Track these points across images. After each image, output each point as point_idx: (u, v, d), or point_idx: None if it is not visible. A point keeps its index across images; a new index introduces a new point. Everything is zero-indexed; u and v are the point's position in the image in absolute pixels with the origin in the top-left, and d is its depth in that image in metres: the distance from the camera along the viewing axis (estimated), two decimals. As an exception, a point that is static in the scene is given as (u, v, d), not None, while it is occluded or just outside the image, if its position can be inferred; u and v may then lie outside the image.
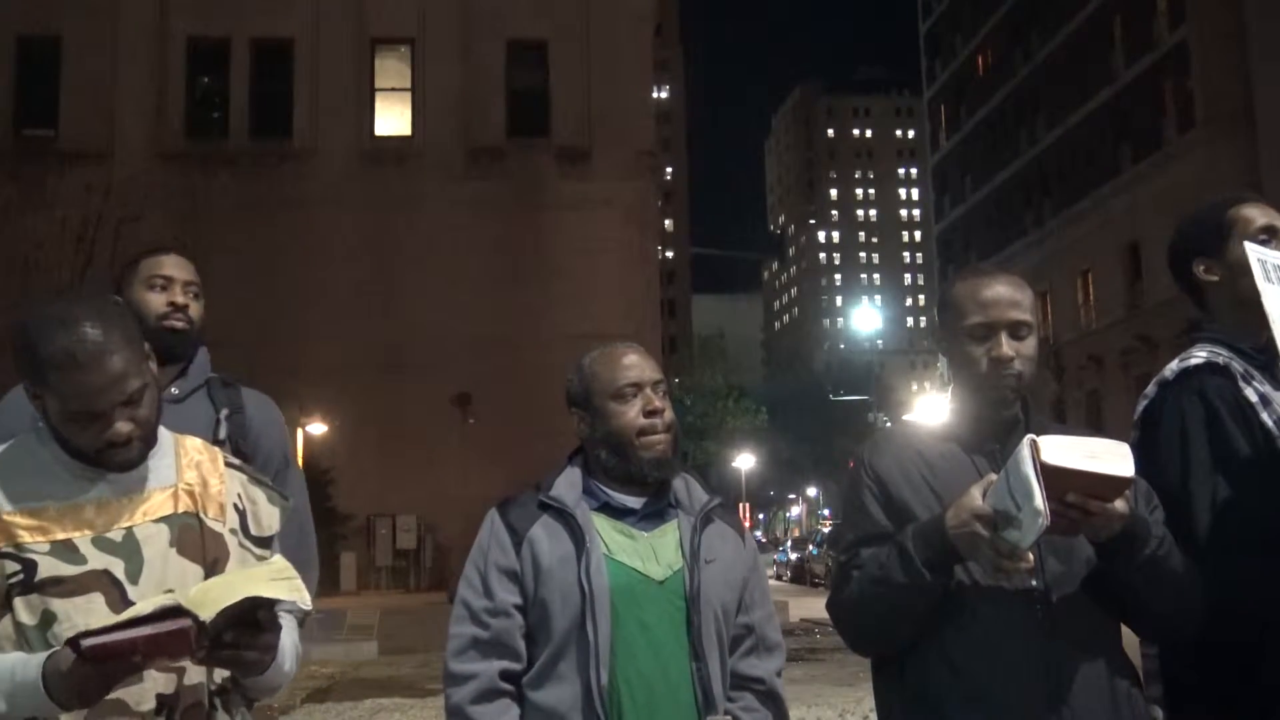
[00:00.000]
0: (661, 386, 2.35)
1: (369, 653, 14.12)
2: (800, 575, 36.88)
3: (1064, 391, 39.77)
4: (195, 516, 1.93)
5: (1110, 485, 1.91)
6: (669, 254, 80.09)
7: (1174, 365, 2.36)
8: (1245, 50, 32.54)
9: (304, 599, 1.76)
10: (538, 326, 22.18)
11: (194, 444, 2.05)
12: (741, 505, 56.78)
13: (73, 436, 1.87)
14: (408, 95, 25.80)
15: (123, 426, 1.85)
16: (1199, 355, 2.33)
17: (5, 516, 1.83)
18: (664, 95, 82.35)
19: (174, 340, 2.79)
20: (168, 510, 1.91)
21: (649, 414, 2.29)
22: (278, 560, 1.84)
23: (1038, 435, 1.92)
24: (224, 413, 2.79)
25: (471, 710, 2.17)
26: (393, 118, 25.90)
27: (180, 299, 2.81)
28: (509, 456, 18.73)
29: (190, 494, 1.95)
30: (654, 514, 2.32)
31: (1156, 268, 32.79)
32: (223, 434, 2.70)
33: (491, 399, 22.88)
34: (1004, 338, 2.14)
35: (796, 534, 61.10)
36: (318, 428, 22.40)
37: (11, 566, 1.80)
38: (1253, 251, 2.26)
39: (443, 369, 23.02)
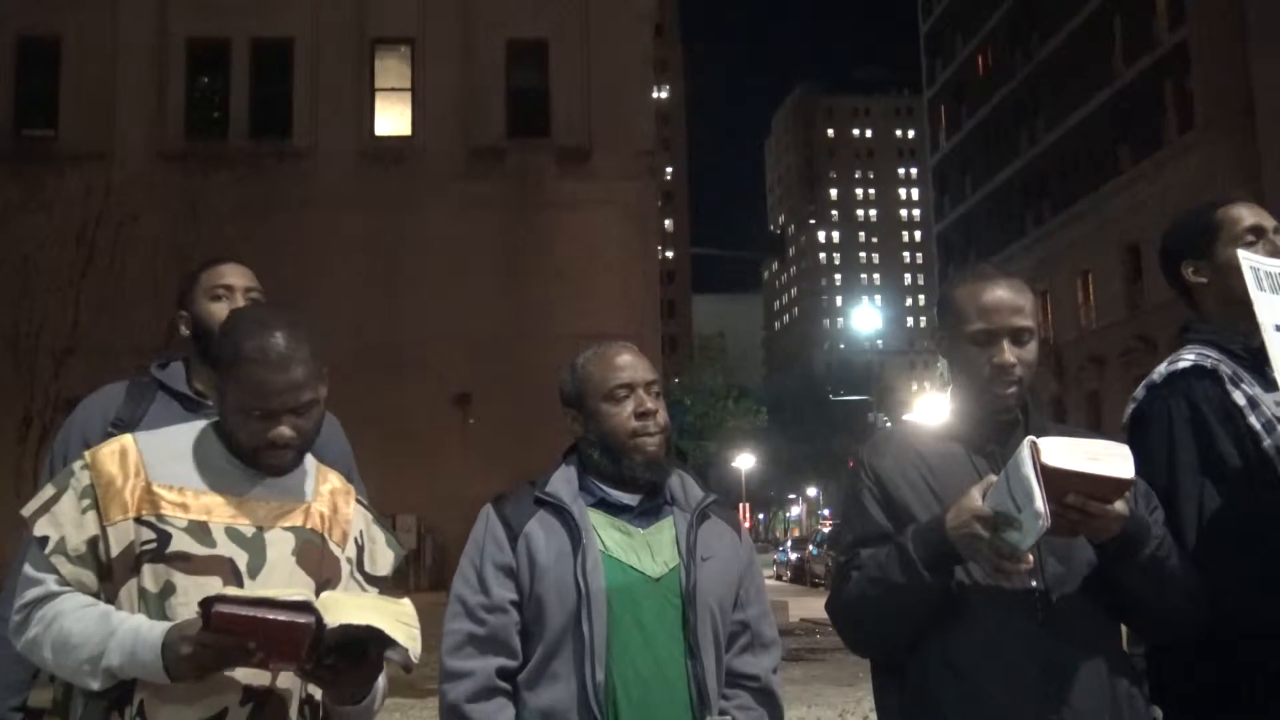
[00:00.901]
0: (655, 387, 2.33)
1: (369, 653, 14.10)
2: (800, 575, 36.85)
3: (1064, 392, 39.75)
4: (320, 535, 2.04)
5: (1110, 487, 1.91)
6: (669, 254, 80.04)
7: (1162, 369, 2.37)
8: (1245, 50, 32.51)
9: (416, 650, 1.83)
10: (538, 326, 22.15)
11: (334, 475, 2.18)
12: (741, 505, 56.80)
13: (239, 429, 1.99)
14: (408, 95, 25.76)
15: (286, 430, 1.98)
16: (1187, 358, 2.34)
17: (155, 486, 1.94)
18: (664, 95, 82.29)
19: None
20: (298, 522, 2.03)
21: (641, 415, 2.27)
22: (408, 605, 1.91)
23: (1037, 436, 1.92)
24: None
25: (468, 708, 2.15)
26: (393, 118, 25.86)
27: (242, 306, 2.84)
28: (509, 456, 18.71)
29: (321, 515, 2.06)
30: (650, 511, 2.30)
31: (1157, 268, 32.64)
32: None
33: (491, 399, 22.85)
34: (1006, 345, 2.14)
35: (796, 534, 61.09)
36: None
37: (147, 534, 1.91)
38: (1245, 259, 2.26)
39: (443, 369, 22.99)
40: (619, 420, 2.28)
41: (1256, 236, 2.39)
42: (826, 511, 68.06)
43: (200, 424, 2.09)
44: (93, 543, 1.91)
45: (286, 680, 1.91)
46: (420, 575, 23.61)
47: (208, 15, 24.57)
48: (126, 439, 2.02)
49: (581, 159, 25.04)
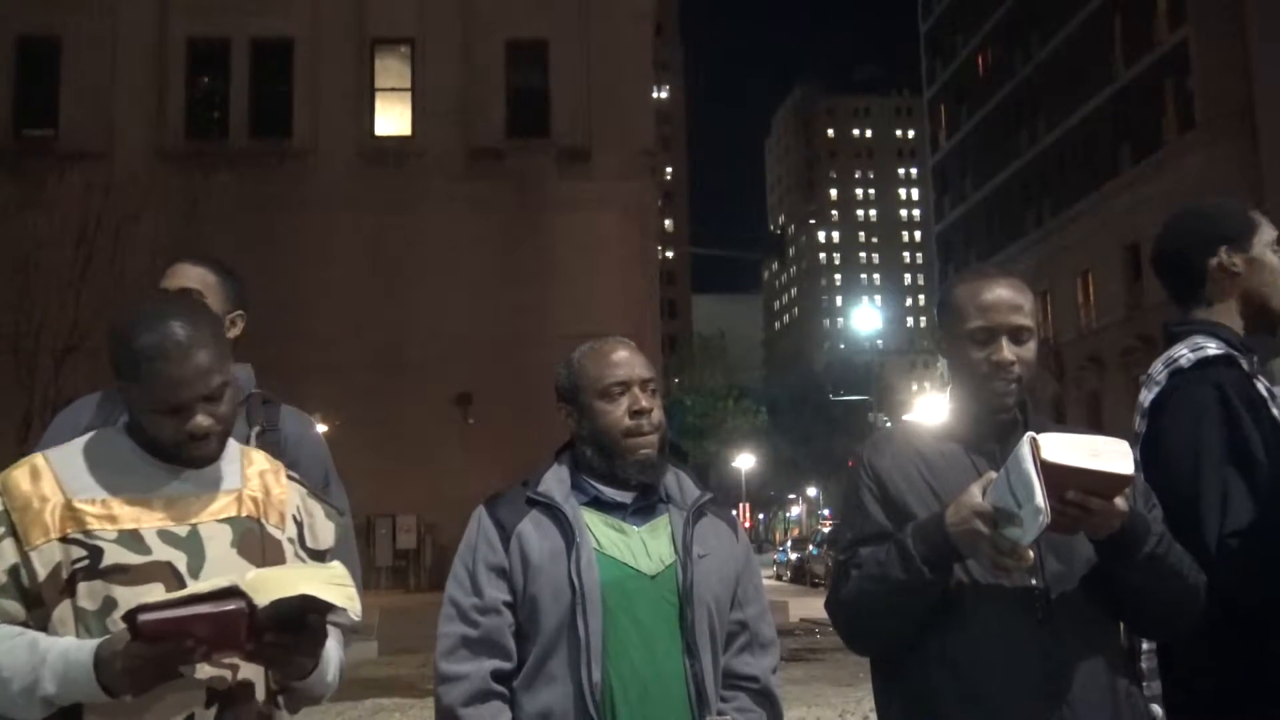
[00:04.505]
0: (651, 385, 2.30)
1: (369, 653, 14.10)
2: (800, 575, 36.85)
3: (1064, 391, 39.75)
4: (257, 521, 1.99)
5: (1110, 483, 1.90)
6: (669, 254, 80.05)
7: (1188, 354, 2.34)
8: (1245, 50, 32.51)
9: (355, 609, 1.80)
10: (538, 326, 22.14)
11: (259, 455, 2.13)
12: (742, 505, 56.79)
13: (155, 428, 1.93)
14: (408, 95, 25.78)
15: (203, 420, 1.92)
16: (1215, 347, 2.32)
17: (76, 503, 1.88)
18: (664, 95, 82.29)
19: None
20: (232, 512, 1.97)
21: (635, 414, 2.25)
22: (337, 565, 1.89)
23: (1037, 434, 1.92)
24: (255, 430, 2.78)
25: (463, 712, 2.13)
26: (393, 118, 25.87)
27: None
28: (509, 456, 18.68)
29: (254, 500, 2.01)
30: (645, 508, 2.27)
31: (1157, 268, 32.75)
32: None
33: (491, 399, 22.86)
34: (1005, 342, 2.13)
35: (796, 534, 61.07)
36: (318, 428, 22.25)
37: (78, 552, 1.84)
38: None
39: (443, 369, 23.00)
40: (613, 418, 2.25)
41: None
42: (826, 511, 68.01)
43: (108, 431, 2.04)
44: (13, 571, 1.83)
45: (249, 671, 1.87)
46: (420, 575, 23.62)
47: (208, 15, 24.59)
48: (37, 458, 1.95)
49: (581, 159, 25.05)
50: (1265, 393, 2.26)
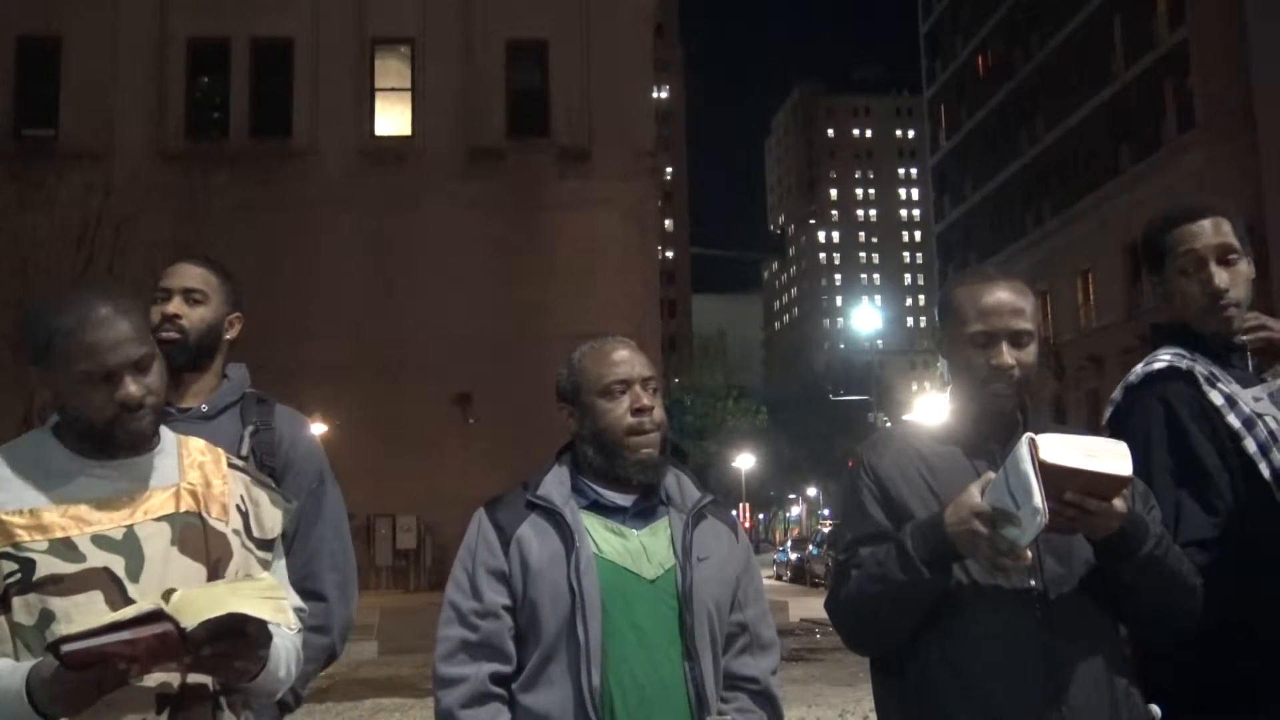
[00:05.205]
0: (652, 383, 2.30)
1: (369, 653, 14.11)
2: (800, 575, 36.85)
3: (1064, 391, 39.75)
4: (198, 516, 1.91)
5: (1109, 484, 1.91)
6: (669, 254, 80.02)
7: (1139, 369, 2.38)
8: (1245, 50, 32.50)
9: (288, 620, 1.76)
10: (538, 326, 22.14)
11: (196, 445, 2.03)
12: (741, 505, 56.76)
13: (85, 406, 1.85)
14: (408, 95, 25.77)
15: (134, 388, 1.84)
16: (1162, 359, 2.35)
17: (2, 516, 1.81)
18: (664, 95, 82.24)
19: (167, 352, 2.76)
20: (169, 509, 1.89)
21: (637, 412, 2.24)
22: (267, 577, 1.83)
23: (1036, 435, 1.92)
24: (249, 429, 2.75)
25: (462, 715, 2.13)
26: (393, 118, 25.87)
27: (171, 309, 2.75)
28: (509, 456, 18.69)
29: (193, 493, 1.93)
30: (645, 511, 2.27)
31: (1156, 268, 32.74)
32: (244, 450, 2.66)
33: (491, 399, 22.86)
34: (1005, 346, 2.14)
35: (796, 534, 61.05)
36: (318, 428, 22.22)
37: (9, 566, 1.78)
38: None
39: (443, 369, 23.00)
40: (614, 417, 2.25)
41: (1195, 268, 2.37)
42: (826, 512, 68.00)
43: (32, 434, 1.96)
44: None
45: (200, 675, 1.80)
46: (420, 575, 23.63)
47: (208, 15, 24.58)
48: None
49: (581, 159, 25.05)
50: (1223, 399, 2.26)
